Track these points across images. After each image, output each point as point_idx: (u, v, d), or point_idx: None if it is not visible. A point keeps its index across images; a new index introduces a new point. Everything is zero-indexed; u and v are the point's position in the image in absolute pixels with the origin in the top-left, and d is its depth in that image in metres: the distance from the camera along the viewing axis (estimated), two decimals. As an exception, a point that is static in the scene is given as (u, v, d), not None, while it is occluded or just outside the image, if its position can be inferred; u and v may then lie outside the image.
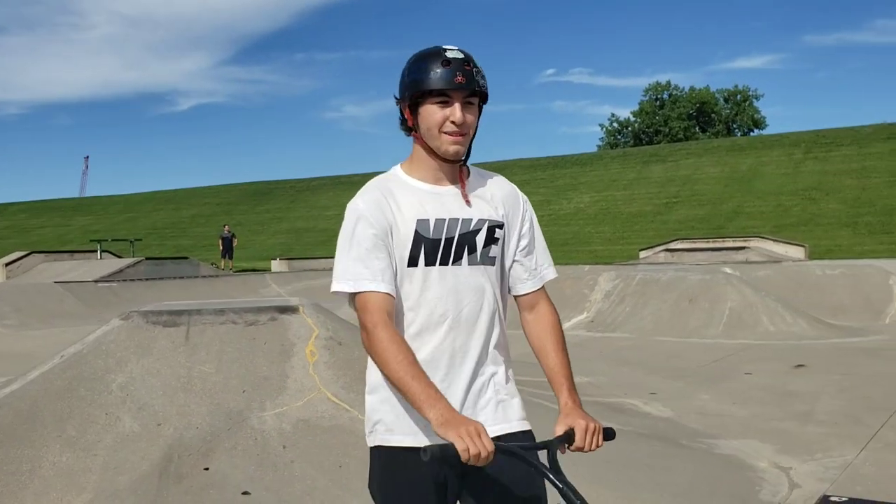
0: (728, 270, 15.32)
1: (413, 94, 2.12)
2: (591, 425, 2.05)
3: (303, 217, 50.28)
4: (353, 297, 2.14)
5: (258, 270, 28.56)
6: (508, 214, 2.26)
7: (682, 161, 41.84)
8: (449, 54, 2.11)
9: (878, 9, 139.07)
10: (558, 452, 2.02)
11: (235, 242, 32.93)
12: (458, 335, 2.16)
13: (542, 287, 2.32)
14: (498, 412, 2.19)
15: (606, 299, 14.09)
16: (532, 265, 2.30)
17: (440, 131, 2.12)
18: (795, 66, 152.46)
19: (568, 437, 2.05)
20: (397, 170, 2.25)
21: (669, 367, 9.76)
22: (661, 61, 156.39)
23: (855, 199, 32.68)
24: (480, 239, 2.19)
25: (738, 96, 73.53)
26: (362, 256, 2.11)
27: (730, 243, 25.23)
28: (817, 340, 11.51)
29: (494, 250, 2.22)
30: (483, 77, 2.16)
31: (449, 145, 2.13)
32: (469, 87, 2.10)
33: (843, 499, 4.73)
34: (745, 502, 4.78)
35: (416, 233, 2.13)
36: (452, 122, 2.11)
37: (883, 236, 28.17)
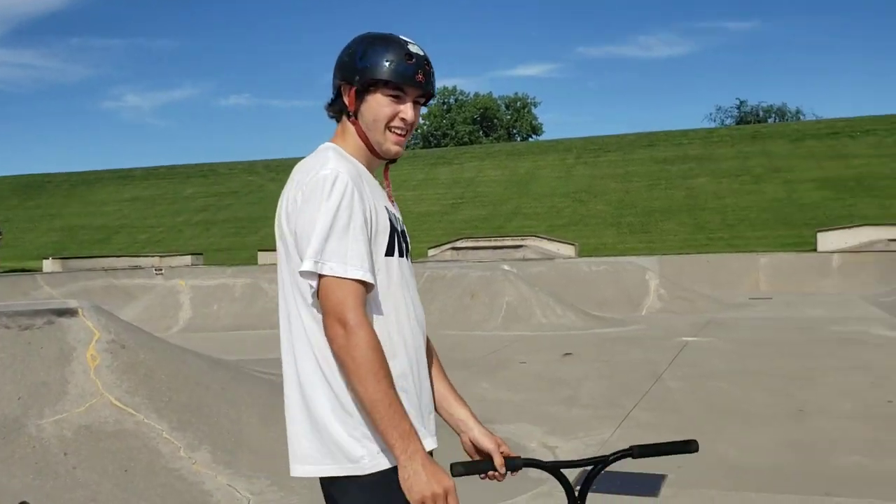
0: (506, 267, 16.20)
1: (366, 80, 1.91)
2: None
3: (78, 213, 47.00)
4: (319, 278, 1.82)
5: (28, 270, 26.47)
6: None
7: (466, 164, 43.60)
8: (411, 48, 1.94)
9: (639, 25, 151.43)
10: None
11: (2, 241, 30.27)
12: (417, 336, 1.97)
13: None
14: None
15: (395, 297, 14.54)
16: None
17: (386, 126, 1.95)
18: (569, 76, 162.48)
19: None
20: (339, 149, 1.98)
21: (454, 359, 10.26)
22: (448, 66, 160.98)
23: (619, 202, 35.56)
24: (406, 236, 2.06)
25: (518, 103, 77.48)
26: (348, 237, 1.81)
27: (509, 242, 26.58)
28: (584, 331, 12.55)
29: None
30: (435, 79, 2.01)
31: (392, 144, 1.97)
32: (427, 88, 1.96)
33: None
34: (518, 477, 5.25)
35: (388, 219, 1.94)
36: (402, 120, 1.95)
37: (642, 235, 30.91)
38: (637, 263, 17.45)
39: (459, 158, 45.74)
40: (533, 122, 77.23)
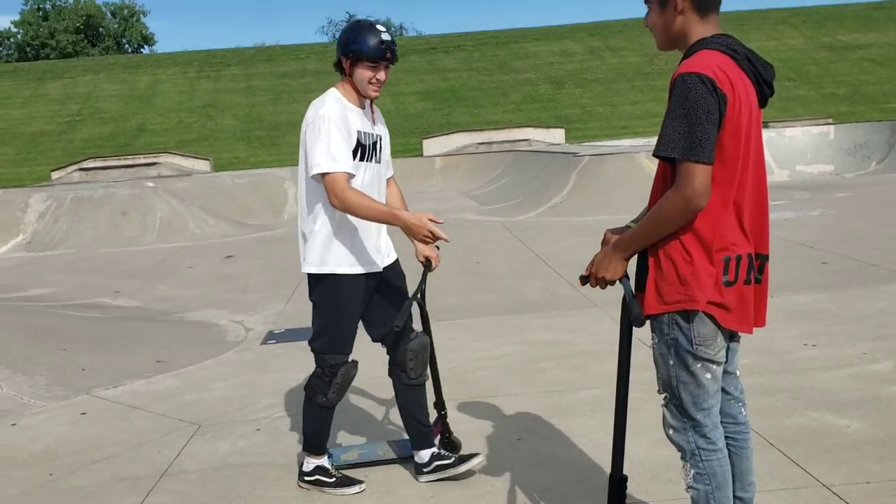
0: (151, 184, 16.90)
1: (356, 56, 3.27)
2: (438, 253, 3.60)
3: None
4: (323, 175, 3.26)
5: None
6: (382, 133, 3.56)
7: (79, 78, 41.01)
8: (384, 36, 3.28)
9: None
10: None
11: None
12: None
13: None
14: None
15: (41, 220, 14.58)
16: (389, 161, 3.65)
17: (368, 83, 3.31)
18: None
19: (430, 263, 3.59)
20: (337, 94, 3.39)
21: (121, 271, 11.18)
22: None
23: (246, 116, 36.57)
24: (377, 146, 3.49)
25: (126, 11, 72.98)
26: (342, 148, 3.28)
27: (141, 160, 26.35)
28: (238, 237, 14.04)
29: (381, 155, 3.53)
30: (397, 50, 3.37)
31: (372, 92, 3.34)
32: (392, 61, 3.32)
33: (282, 330, 7.11)
34: (219, 344, 6.81)
35: (357, 137, 3.35)
36: (377, 80, 3.32)
37: (272, 148, 32.48)
38: (275, 174, 19.10)
39: (70, 72, 42.78)
40: (144, 31, 73.47)
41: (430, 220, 3.24)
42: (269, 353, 6.33)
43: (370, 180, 3.44)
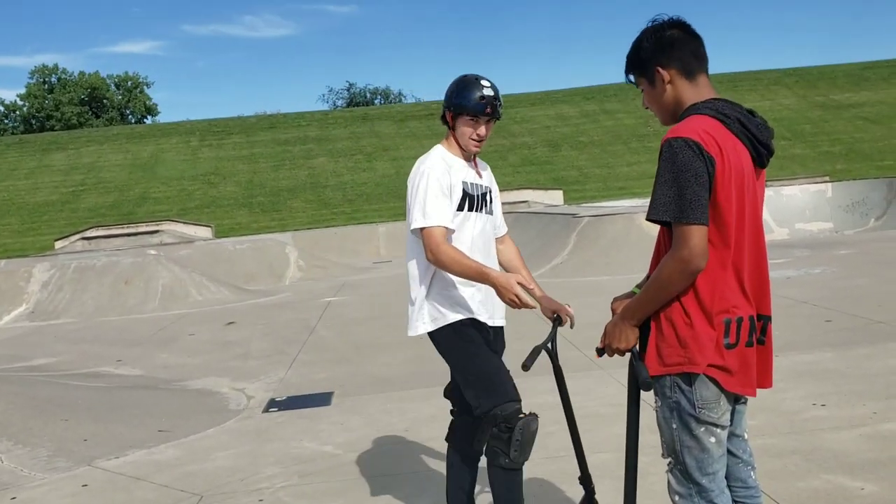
0: (153, 252, 16.94)
1: (457, 110, 3.25)
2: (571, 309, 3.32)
3: None
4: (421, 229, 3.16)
5: None
6: (491, 186, 3.48)
7: (83, 148, 41.52)
8: (486, 91, 3.23)
9: (244, 5, 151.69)
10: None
11: None
12: (477, 255, 3.27)
13: None
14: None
15: (45, 289, 14.58)
16: (501, 218, 3.57)
17: (469, 138, 3.28)
18: (176, 54, 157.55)
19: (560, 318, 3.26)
20: (442, 149, 3.36)
21: (123, 340, 11.12)
22: (41, 40, 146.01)
23: (248, 182, 36.88)
24: (486, 197, 3.41)
25: (129, 83, 74.28)
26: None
27: (143, 228, 26.43)
28: (240, 303, 14.02)
29: (491, 207, 3.45)
30: (502, 106, 3.29)
31: (473, 147, 3.31)
32: (494, 117, 3.26)
33: (284, 398, 7.04)
34: (221, 412, 6.75)
35: (462, 188, 3.28)
36: (478, 135, 3.28)
37: (273, 213, 32.68)
38: (276, 239, 19.16)
39: (75, 143, 43.30)
40: (147, 102, 74.60)
41: (520, 283, 3.07)
42: (270, 422, 6.24)
43: (480, 230, 3.38)
